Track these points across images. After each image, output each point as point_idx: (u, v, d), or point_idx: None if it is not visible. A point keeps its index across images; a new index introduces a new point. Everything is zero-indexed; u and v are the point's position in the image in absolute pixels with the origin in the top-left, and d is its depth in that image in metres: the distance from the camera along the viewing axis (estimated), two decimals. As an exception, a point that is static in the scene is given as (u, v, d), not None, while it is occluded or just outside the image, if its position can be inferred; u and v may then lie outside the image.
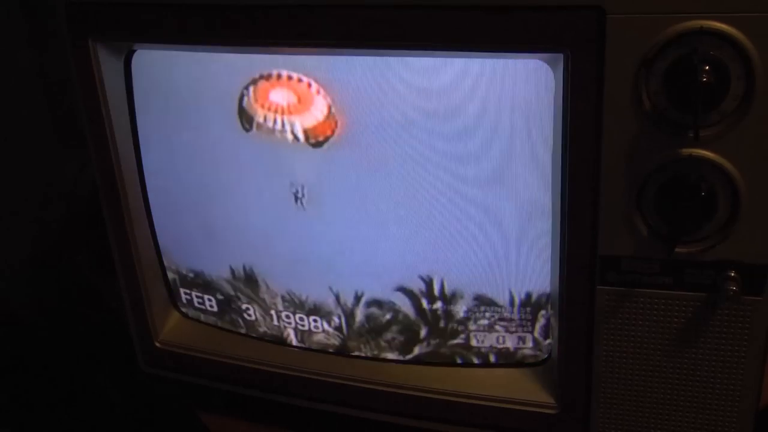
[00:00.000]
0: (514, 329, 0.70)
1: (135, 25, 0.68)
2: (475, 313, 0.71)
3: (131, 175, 0.76)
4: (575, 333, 0.65)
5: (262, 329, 0.80)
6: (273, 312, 0.78)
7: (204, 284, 0.80)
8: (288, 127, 0.69)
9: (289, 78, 0.67)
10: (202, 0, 0.64)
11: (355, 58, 0.64)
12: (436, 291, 0.71)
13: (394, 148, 0.66)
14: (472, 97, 0.62)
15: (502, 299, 0.69)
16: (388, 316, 0.73)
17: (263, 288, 0.77)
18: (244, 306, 0.80)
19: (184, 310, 0.84)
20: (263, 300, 0.78)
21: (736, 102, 0.54)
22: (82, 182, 1.08)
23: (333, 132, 0.67)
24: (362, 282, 0.73)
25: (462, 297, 0.70)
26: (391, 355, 0.76)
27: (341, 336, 0.76)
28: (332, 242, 0.72)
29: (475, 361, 0.73)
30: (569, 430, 0.69)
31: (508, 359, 0.72)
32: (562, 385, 0.68)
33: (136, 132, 0.75)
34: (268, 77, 0.68)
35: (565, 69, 0.57)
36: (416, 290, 0.71)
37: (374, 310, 0.73)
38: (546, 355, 0.71)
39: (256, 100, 0.69)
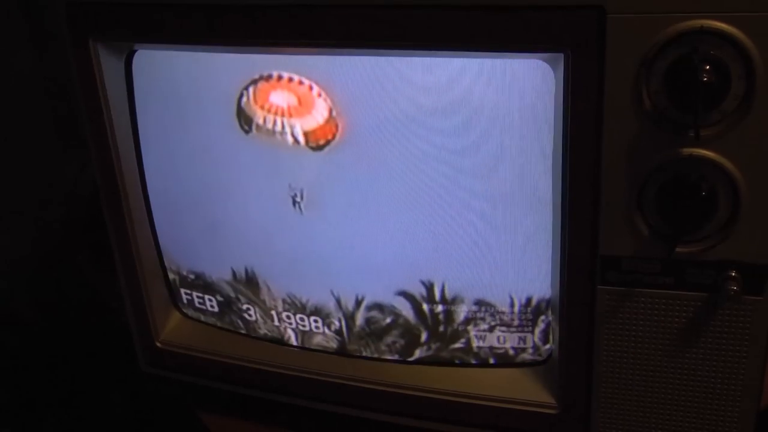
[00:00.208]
0: (514, 334, 0.70)
1: (136, 25, 0.68)
2: (475, 317, 0.71)
3: (132, 176, 0.76)
4: (576, 333, 0.65)
5: (263, 330, 0.80)
6: (273, 313, 0.78)
7: (204, 285, 0.80)
8: (288, 130, 0.69)
9: (290, 80, 0.67)
10: (202, 0, 0.64)
11: (356, 59, 0.64)
12: (437, 295, 0.71)
13: (394, 153, 0.66)
14: (473, 97, 0.62)
15: (503, 303, 0.69)
16: (388, 320, 0.73)
17: (264, 290, 0.77)
18: (244, 306, 0.80)
19: (184, 310, 0.84)
20: (263, 302, 0.78)
21: (736, 101, 0.54)
22: (82, 182, 1.08)
23: (334, 136, 0.67)
24: (363, 285, 0.73)
25: (463, 301, 0.70)
26: (391, 359, 0.76)
27: (341, 339, 0.76)
28: (332, 245, 0.72)
29: (476, 363, 0.73)
30: (570, 430, 0.69)
31: (507, 362, 0.72)
32: (562, 385, 0.68)
33: (137, 132, 0.75)
34: (269, 78, 0.68)
35: (566, 69, 0.57)
36: (417, 294, 0.71)
37: (375, 313, 0.73)
38: (546, 356, 0.71)
39: (255, 101, 0.69)
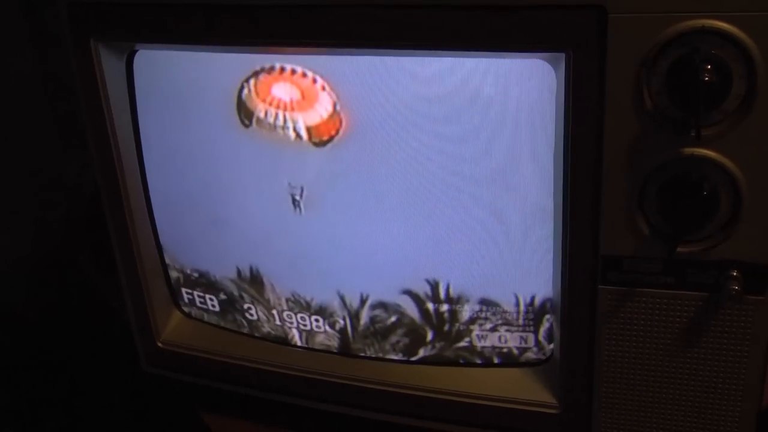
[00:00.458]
0: (518, 333, 0.70)
1: (137, 25, 0.68)
2: (480, 316, 0.70)
3: (132, 175, 0.76)
4: (577, 333, 0.65)
5: (265, 329, 0.80)
6: (276, 312, 0.78)
7: (208, 284, 0.80)
8: (290, 124, 0.68)
9: (293, 72, 0.66)
10: (203, 0, 0.64)
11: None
12: (442, 294, 0.70)
13: (399, 149, 0.65)
14: (474, 96, 0.62)
15: (508, 303, 0.69)
16: (393, 319, 0.73)
17: (268, 288, 0.77)
18: (246, 306, 0.80)
19: (185, 309, 0.84)
20: (267, 301, 0.78)
21: (737, 101, 0.54)
22: (83, 182, 1.08)
23: (337, 132, 0.66)
24: (367, 284, 0.73)
25: (468, 300, 0.70)
26: (395, 358, 0.76)
27: (346, 338, 0.76)
28: (335, 243, 0.72)
29: (479, 362, 0.73)
30: (571, 430, 0.69)
31: (511, 360, 0.72)
32: (563, 385, 0.68)
33: (138, 132, 0.75)
34: (271, 70, 0.67)
35: (567, 68, 0.57)
36: (422, 293, 0.71)
37: (379, 312, 0.73)
38: (548, 355, 0.71)
39: (257, 94, 0.68)
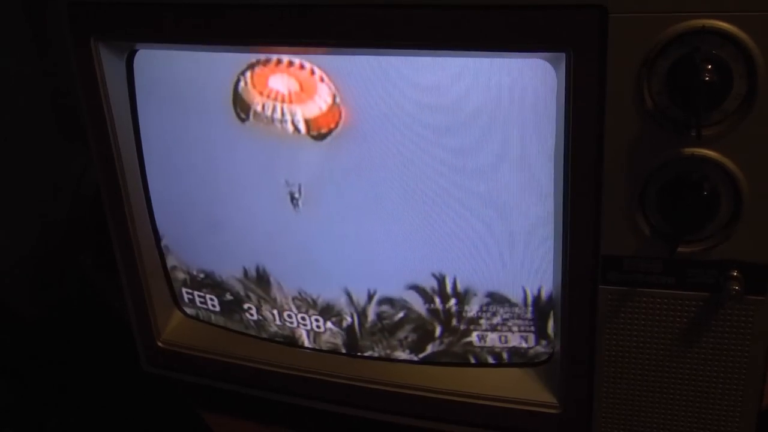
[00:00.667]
0: (526, 327, 0.70)
1: (137, 24, 0.68)
2: (488, 310, 0.70)
3: (133, 175, 0.76)
4: (577, 333, 0.65)
5: (272, 329, 0.80)
6: (279, 311, 0.78)
7: (214, 284, 0.80)
8: (288, 117, 0.67)
9: (291, 64, 0.65)
10: (204, 0, 0.64)
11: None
12: (449, 288, 0.70)
13: (400, 141, 0.65)
14: (475, 95, 0.62)
15: (516, 296, 0.69)
16: (400, 315, 0.73)
17: (275, 287, 0.77)
18: (246, 306, 0.80)
19: (186, 309, 0.84)
20: (274, 300, 0.77)
21: (738, 101, 0.54)
22: (85, 182, 1.08)
23: (337, 124, 0.65)
24: (373, 280, 0.72)
25: (475, 294, 0.70)
26: (402, 355, 0.75)
27: (353, 335, 0.76)
28: (337, 240, 0.71)
29: (489, 359, 0.73)
30: (571, 430, 0.69)
31: (521, 357, 0.72)
32: (564, 385, 0.68)
33: (138, 131, 0.75)
34: (267, 62, 0.66)
35: (567, 68, 0.57)
36: (428, 288, 0.71)
37: (386, 308, 0.73)
38: (549, 355, 0.71)
39: (254, 86, 0.66)
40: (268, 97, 0.66)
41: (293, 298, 0.76)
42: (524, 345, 0.71)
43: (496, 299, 0.69)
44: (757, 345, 0.60)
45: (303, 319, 0.77)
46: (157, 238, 0.80)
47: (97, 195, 0.79)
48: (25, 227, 1.08)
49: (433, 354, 0.74)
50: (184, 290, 0.82)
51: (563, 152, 0.60)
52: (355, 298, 0.74)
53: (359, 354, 0.77)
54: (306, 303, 0.76)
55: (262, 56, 0.66)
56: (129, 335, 0.85)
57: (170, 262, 0.81)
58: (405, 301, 0.72)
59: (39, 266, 1.10)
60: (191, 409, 0.87)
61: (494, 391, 0.71)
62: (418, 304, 0.72)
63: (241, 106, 0.68)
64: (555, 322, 0.68)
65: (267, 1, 0.62)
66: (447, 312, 0.71)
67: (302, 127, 0.67)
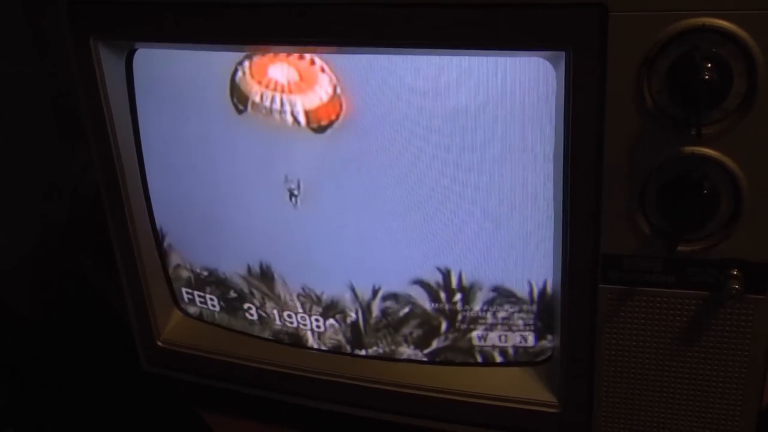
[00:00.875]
0: (532, 321, 0.70)
1: (136, 24, 0.68)
2: (493, 305, 0.70)
3: (133, 174, 0.76)
4: (577, 332, 0.65)
5: (275, 327, 0.80)
6: (282, 310, 0.78)
7: (218, 282, 0.80)
8: (288, 108, 0.65)
9: (290, 53, 0.64)
10: (203, -1, 0.64)
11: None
12: (454, 283, 0.70)
13: (403, 134, 0.64)
14: (475, 93, 0.62)
15: (521, 290, 0.69)
16: (405, 310, 0.73)
17: (279, 283, 0.76)
18: (246, 305, 0.80)
19: (186, 309, 0.84)
20: (278, 296, 0.77)
21: (738, 99, 0.54)
22: (85, 181, 1.08)
23: (338, 116, 0.64)
24: (378, 275, 0.72)
25: (481, 289, 0.69)
26: (408, 350, 0.75)
27: (356, 332, 0.76)
28: (339, 235, 0.71)
29: (496, 354, 0.72)
30: (571, 429, 0.69)
31: (528, 354, 0.72)
32: (564, 384, 0.68)
33: (138, 130, 0.75)
34: (265, 51, 0.65)
35: (567, 67, 0.57)
36: (433, 283, 0.70)
37: (391, 304, 0.73)
38: (548, 355, 0.71)
39: (252, 76, 0.65)
40: (267, 86, 0.65)
41: (298, 295, 0.76)
42: (531, 340, 0.71)
43: (502, 294, 0.69)
44: (758, 344, 0.60)
45: (303, 318, 0.77)
46: (157, 237, 0.80)
47: (96, 195, 0.79)
48: (25, 227, 1.08)
49: (438, 350, 0.74)
50: (184, 290, 0.82)
51: (563, 151, 0.60)
52: (359, 293, 0.73)
53: (364, 350, 0.77)
54: (310, 299, 0.76)
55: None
56: (129, 335, 0.85)
57: (174, 260, 0.81)
58: (410, 296, 0.72)
59: (39, 266, 1.10)
60: (191, 409, 0.87)
61: (494, 391, 0.71)
62: (423, 299, 0.71)
63: (238, 97, 0.67)
64: (555, 321, 0.68)
65: (267, 0, 0.62)
66: (452, 306, 0.71)
67: (302, 118, 0.66)
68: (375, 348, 0.76)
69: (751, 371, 0.61)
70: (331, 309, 0.76)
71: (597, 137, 0.58)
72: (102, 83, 0.72)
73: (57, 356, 1.03)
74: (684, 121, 0.55)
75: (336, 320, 0.76)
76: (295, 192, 0.70)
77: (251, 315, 0.80)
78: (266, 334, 0.81)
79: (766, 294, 0.59)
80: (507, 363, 0.72)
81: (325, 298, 0.75)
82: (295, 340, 0.79)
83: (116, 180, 0.76)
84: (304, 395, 0.79)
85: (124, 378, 0.94)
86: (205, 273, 0.80)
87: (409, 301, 0.72)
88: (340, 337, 0.77)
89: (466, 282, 0.69)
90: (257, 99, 0.66)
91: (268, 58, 0.66)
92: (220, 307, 0.81)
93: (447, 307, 0.71)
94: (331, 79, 0.63)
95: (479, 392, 0.71)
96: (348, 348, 0.77)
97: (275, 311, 0.78)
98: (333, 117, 0.65)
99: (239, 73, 0.66)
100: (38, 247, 1.10)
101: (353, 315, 0.75)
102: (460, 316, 0.71)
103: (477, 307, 0.70)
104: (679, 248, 0.59)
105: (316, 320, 0.77)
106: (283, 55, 0.65)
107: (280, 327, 0.79)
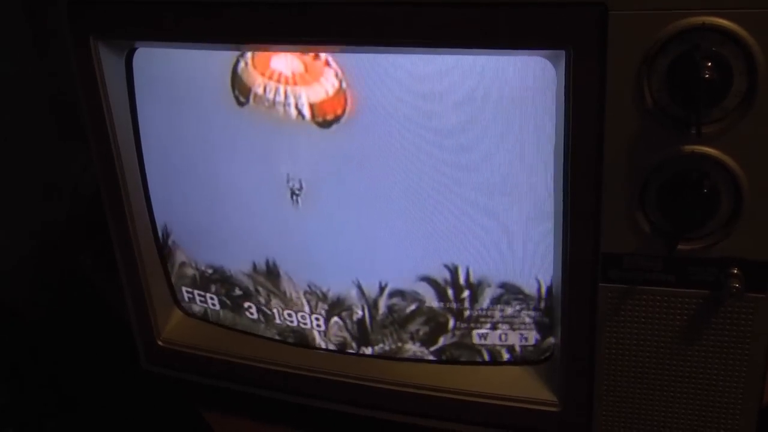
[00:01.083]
0: (540, 320, 0.70)
1: (136, 23, 0.68)
2: (501, 302, 0.70)
3: (132, 174, 0.76)
4: (577, 331, 0.65)
5: (281, 325, 0.79)
6: (284, 308, 0.78)
7: (223, 279, 0.80)
8: (292, 100, 0.63)
9: None
10: (203, -2, 0.64)
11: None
12: (462, 280, 0.69)
13: (408, 131, 0.64)
14: (476, 92, 0.62)
15: (529, 287, 0.69)
16: (412, 307, 0.72)
17: (285, 280, 0.76)
18: (247, 304, 0.80)
19: (186, 308, 0.84)
20: (284, 293, 0.77)
21: (738, 98, 0.54)
22: (85, 181, 1.08)
23: (343, 111, 0.63)
24: (384, 272, 0.72)
25: (489, 285, 0.69)
26: (414, 348, 0.75)
27: (362, 329, 0.76)
28: (342, 233, 0.71)
29: (504, 353, 0.72)
30: (571, 428, 0.69)
31: (535, 351, 0.71)
32: (564, 383, 0.68)
33: (138, 130, 0.75)
34: (265, 49, 0.65)
35: (567, 66, 0.57)
36: (441, 280, 0.70)
37: (397, 300, 0.72)
38: (549, 353, 0.71)
39: (255, 67, 0.63)
40: (270, 78, 0.63)
41: (304, 292, 0.76)
42: (533, 338, 0.71)
43: (509, 290, 0.69)
44: (758, 342, 0.60)
45: (309, 316, 0.77)
46: (157, 237, 0.80)
47: (96, 195, 0.79)
48: (25, 227, 1.08)
49: (444, 347, 0.74)
50: (184, 289, 0.82)
51: (563, 150, 0.60)
52: (366, 290, 0.73)
53: (370, 347, 0.76)
54: (316, 296, 0.76)
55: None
56: (129, 334, 0.85)
57: (179, 258, 0.81)
58: (417, 293, 0.72)
59: (39, 266, 1.10)
60: (192, 408, 0.87)
61: (494, 389, 0.71)
62: (430, 296, 0.71)
63: (240, 88, 0.66)
64: (555, 320, 0.68)
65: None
66: (460, 303, 0.71)
67: (306, 111, 0.64)
68: (381, 345, 0.76)
69: (751, 370, 0.61)
70: (337, 306, 0.75)
71: (597, 136, 0.58)
72: (102, 83, 0.72)
73: (57, 356, 1.02)
74: (684, 120, 0.55)
75: (342, 317, 0.76)
76: (297, 191, 0.69)
77: (254, 313, 0.80)
78: (271, 333, 0.80)
79: (767, 293, 0.59)
80: (509, 361, 0.72)
81: (331, 295, 0.75)
82: (301, 337, 0.79)
83: (116, 179, 0.76)
84: (305, 395, 0.79)
85: (125, 377, 0.94)
86: (210, 270, 0.80)
87: (416, 298, 0.72)
88: (346, 334, 0.77)
89: (473, 279, 0.69)
90: (260, 91, 0.65)
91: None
92: (221, 305, 0.81)
93: (455, 304, 0.71)
94: (337, 73, 0.63)
95: (480, 391, 0.71)
96: (354, 345, 0.77)
97: (281, 309, 0.78)
98: (339, 112, 0.64)
99: (241, 64, 0.65)
100: (38, 247, 1.10)
101: (360, 312, 0.75)
102: (467, 313, 0.71)
103: (485, 304, 0.70)
104: (680, 247, 0.59)
105: (322, 317, 0.77)
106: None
107: (285, 325, 0.79)
